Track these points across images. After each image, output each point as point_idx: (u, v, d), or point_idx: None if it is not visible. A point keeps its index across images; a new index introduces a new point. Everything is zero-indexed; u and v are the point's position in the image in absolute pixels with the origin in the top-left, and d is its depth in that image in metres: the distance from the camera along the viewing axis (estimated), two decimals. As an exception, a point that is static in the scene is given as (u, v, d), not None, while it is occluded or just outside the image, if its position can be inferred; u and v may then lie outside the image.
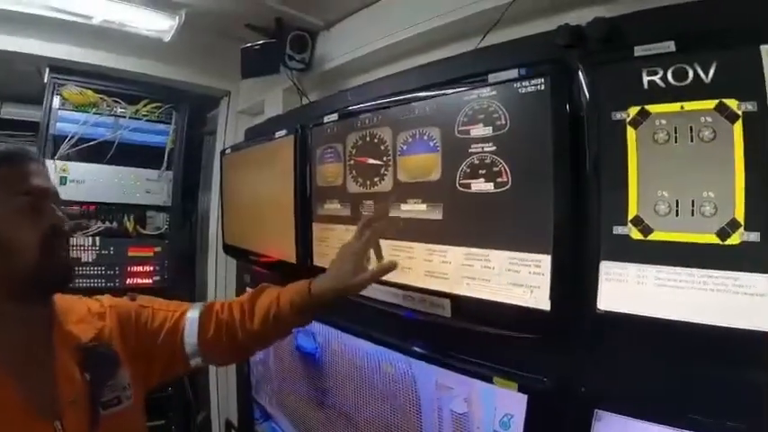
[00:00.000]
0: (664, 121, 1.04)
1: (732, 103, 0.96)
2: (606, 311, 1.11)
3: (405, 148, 1.60)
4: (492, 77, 1.32)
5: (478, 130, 1.36)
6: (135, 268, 3.32)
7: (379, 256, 1.50)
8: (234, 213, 2.93)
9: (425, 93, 1.54)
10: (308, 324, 1.69)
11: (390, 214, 1.61)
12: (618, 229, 1.09)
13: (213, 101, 3.66)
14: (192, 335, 1.49)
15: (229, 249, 3.05)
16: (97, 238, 3.19)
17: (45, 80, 3.07)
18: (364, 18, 2.33)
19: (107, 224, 3.25)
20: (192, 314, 1.52)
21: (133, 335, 1.42)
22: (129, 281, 3.28)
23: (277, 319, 1.48)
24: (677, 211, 1.02)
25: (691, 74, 1.00)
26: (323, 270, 1.50)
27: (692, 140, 1.00)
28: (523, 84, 1.25)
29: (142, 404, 1.42)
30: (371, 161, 1.72)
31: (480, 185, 1.35)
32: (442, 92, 1.48)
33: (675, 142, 1.02)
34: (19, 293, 1.18)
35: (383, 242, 1.53)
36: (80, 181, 3.14)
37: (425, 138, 1.51)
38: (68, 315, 1.32)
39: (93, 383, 1.25)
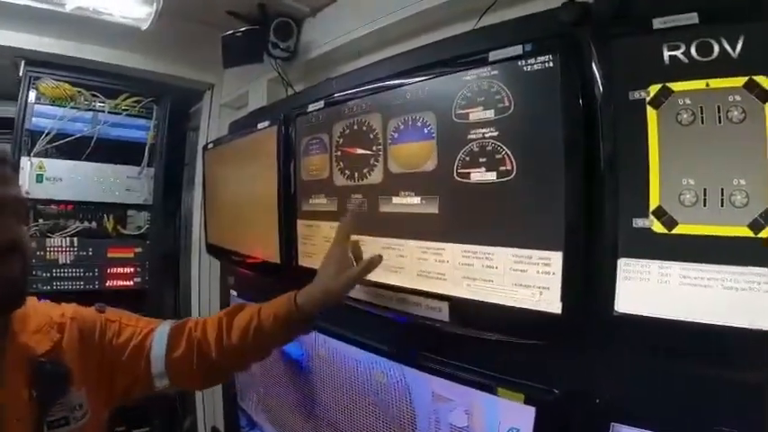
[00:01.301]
0: (688, 101, 0.95)
1: (763, 81, 0.88)
2: (624, 314, 1.03)
3: (396, 135, 1.52)
4: (493, 55, 1.24)
5: (479, 114, 1.27)
6: (115, 270, 3.27)
7: (359, 256, 1.48)
8: (217, 211, 2.88)
9: (419, 74, 1.45)
10: (288, 343, 1.62)
11: (381, 209, 1.55)
12: (638, 222, 1.01)
13: (196, 95, 3.61)
14: (159, 352, 1.43)
15: (212, 250, 3.00)
16: (75, 239, 3.15)
17: (20, 74, 3.01)
18: (352, 2, 2.27)
19: (86, 224, 3.21)
20: (161, 330, 1.47)
21: (96, 350, 1.37)
22: (108, 283, 3.24)
23: (258, 332, 1.42)
24: (704, 201, 0.93)
25: (716, 48, 0.92)
26: (308, 270, 1.46)
27: (719, 122, 0.92)
28: (529, 61, 1.17)
29: (102, 424, 1.37)
30: (360, 151, 1.65)
31: (481, 175, 1.27)
32: (438, 72, 1.40)
33: (702, 123, 0.94)
34: None
35: (371, 240, 1.51)
36: (57, 179, 3.10)
37: (419, 124, 1.43)
38: (27, 323, 1.27)
39: (39, 401, 1.20)
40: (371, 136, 1.60)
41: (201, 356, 1.44)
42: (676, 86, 0.96)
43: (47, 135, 3.03)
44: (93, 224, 3.23)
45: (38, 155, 3.01)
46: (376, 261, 1.43)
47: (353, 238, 1.51)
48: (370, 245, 1.58)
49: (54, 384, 1.24)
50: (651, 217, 0.99)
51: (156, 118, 3.37)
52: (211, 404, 3.47)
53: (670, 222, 0.97)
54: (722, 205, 0.91)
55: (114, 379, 1.39)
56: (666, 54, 0.97)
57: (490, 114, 1.24)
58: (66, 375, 1.26)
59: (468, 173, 1.30)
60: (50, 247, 3.02)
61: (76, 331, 1.34)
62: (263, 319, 1.42)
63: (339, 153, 1.76)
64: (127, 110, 3.28)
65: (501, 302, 1.23)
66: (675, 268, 0.96)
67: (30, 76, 3.00)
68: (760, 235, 0.87)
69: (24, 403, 1.18)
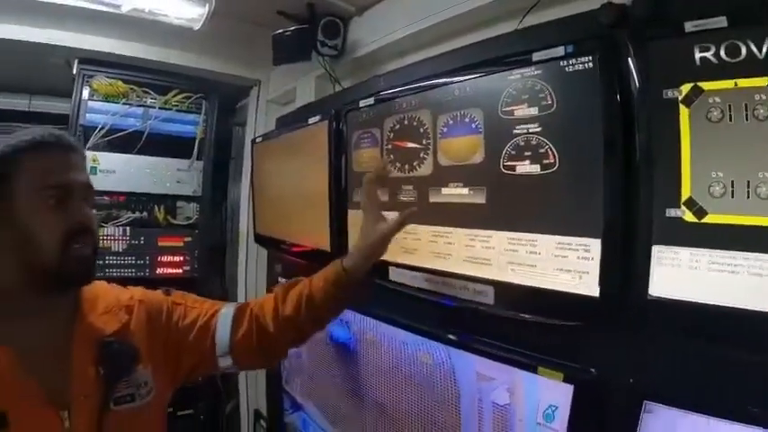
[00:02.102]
0: (717, 99, 1.00)
1: (788, 80, 0.91)
2: (657, 297, 1.08)
3: (445, 130, 1.57)
4: (536, 56, 1.29)
5: (523, 111, 1.33)
6: (165, 258, 3.35)
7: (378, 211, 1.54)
8: (266, 202, 2.94)
9: (467, 73, 1.51)
10: (342, 309, 1.60)
11: (431, 199, 1.61)
12: (671, 212, 1.06)
13: (243, 90, 3.67)
14: (223, 333, 1.48)
15: (261, 239, 3.06)
16: (127, 228, 3.23)
17: (74, 72, 3.10)
18: (397, 2, 2.30)
19: (137, 214, 3.28)
20: (226, 311, 1.52)
21: (163, 331, 1.43)
22: (158, 270, 3.32)
23: (310, 301, 1.47)
24: (732, 192, 0.98)
25: (744, 50, 0.96)
26: None
27: (747, 119, 0.96)
28: (570, 62, 1.22)
29: (165, 402, 1.43)
30: (410, 145, 1.70)
31: (526, 167, 1.33)
32: (485, 71, 1.46)
33: (730, 121, 0.98)
34: (38, 286, 1.20)
35: (421, 228, 1.58)
36: (110, 171, 3.18)
37: (467, 119, 1.49)
38: (95, 305, 1.33)
39: (106, 379, 1.25)
40: (421, 130, 1.66)
41: (261, 332, 1.49)
42: (707, 86, 1.01)
43: (100, 130, 3.11)
44: (145, 214, 3.30)
45: (92, 149, 3.08)
46: (408, 215, 1.50)
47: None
48: (420, 233, 1.64)
49: (120, 363, 1.28)
50: (683, 207, 1.04)
51: (204, 113, 3.43)
52: (254, 388, 3.54)
53: (700, 212, 1.01)
54: (748, 197, 0.95)
55: (180, 359, 1.44)
56: (698, 55, 1.02)
57: (534, 111, 1.30)
58: (133, 354, 1.31)
59: (514, 165, 1.35)
60: (104, 236, 3.08)
61: (144, 313, 1.40)
62: (314, 287, 1.48)
63: (390, 146, 1.81)
64: (177, 105, 3.35)
65: (543, 286, 1.29)
66: (705, 255, 1.01)
67: (83, 74, 3.08)
68: (784, 224, 0.92)
69: (91, 381, 1.22)
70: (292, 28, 2.54)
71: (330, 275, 1.48)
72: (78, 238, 1.19)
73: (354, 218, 1.99)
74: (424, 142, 1.65)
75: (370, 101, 1.92)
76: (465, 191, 1.51)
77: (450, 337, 1.60)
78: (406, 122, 1.74)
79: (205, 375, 1.57)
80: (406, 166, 1.73)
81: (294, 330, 1.52)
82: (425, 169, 1.65)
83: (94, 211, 1.31)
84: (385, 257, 1.59)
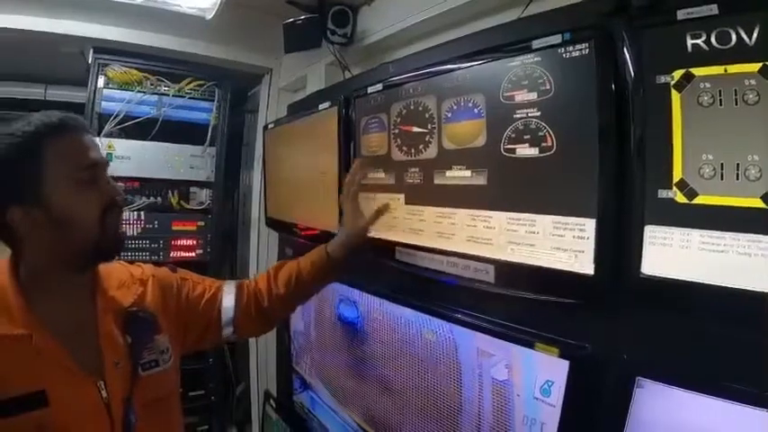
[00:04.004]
0: (708, 84, 1.03)
1: (776, 67, 0.94)
2: (649, 276, 1.11)
3: (450, 115, 1.62)
4: (536, 43, 1.33)
5: (523, 96, 1.36)
6: (179, 242, 3.43)
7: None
8: (277, 187, 2.99)
9: (470, 60, 1.55)
10: (324, 285, 1.85)
11: (436, 181, 1.66)
12: (663, 193, 1.09)
13: (254, 78, 3.70)
14: (228, 303, 1.63)
15: (272, 223, 3.11)
16: (142, 213, 3.31)
17: (89, 61, 3.15)
18: None
19: (152, 199, 3.35)
20: (229, 287, 1.67)
21: (174, 303, 1.52)
22: (173, 254, 3.40)
23: (299, 280, 1.70)
24: (722, 174, 1.01)
25: (734, 37, 0.99)
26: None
27: (736, 104, 0.99)
28: (567, 49, 1.26)
29: (178, 368, 1.50)
30: (416, 129, 1.75)
31: (525, 150, 1.36)
32: (487, 58, 1.49)
33: (720, 105, 1.01)
34: (72, 264, 1.25)
35: (427, 209, 1.64)
36: (126, 157, 3.24)
37: (470, 105, 1.53)
38: (110, 280, 1.38)
39: (133, 346, 1.32)
40: (427, 115, 1.70)
41: (257, 305, 1.68)
42: (698, 72, 1.04)
43: (115, 117, 3.17)
44: (159, 199, 3.38)
45: (107, 136, 3.15)
46: (384, 208, 1.75)
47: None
48: (426, 213, 1.69)
49: (145, 330, 1.36)
50: (674, 188, 1.07)
51: (217, 101, 3.48)
52: (264, 369, 3.60)
53: (691, 193, 1.05)
54: (737, 179, 0.98)
55: (189, 328, 1.56)
56: (689, 42, 1.04)
57: (533, 96, 1.33)
58: (154, 322, 1.39)
59: (514, 148, 1.39)
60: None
61: (158, 287, 1.48)
62: (302, 269, 1.71)
63: (397, 131, 1.85)
64: (190, 93, 3.42)
65: (541, 264, 1.33)
66: (695, 235, 1.04)
67: (98, 63, 3.15)
68: (771, 206, 0.95)
69: (121, 348, 1.29)
70: (303, 17, 2.56)
71: (316, 260, 1.73)
72: (113, 212, 1.26)
73: (362, 200, 1.97)
74: (429, 127, 1.70)
75: (378, 87, 1.96)
76: (468, 173, 1.55)
77: (453, 314, 1.64)
78: (412, 108, 1.78)
79: (207, 344, 1.66)
80: (413, 150, 1.77)
81: (285, 304, 1.75)
82: (431, 152, 1.69)
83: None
84: (392, 238, 1.72)
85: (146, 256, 3.28)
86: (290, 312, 1.96)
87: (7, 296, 1.20)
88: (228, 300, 1.64)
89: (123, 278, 1.43)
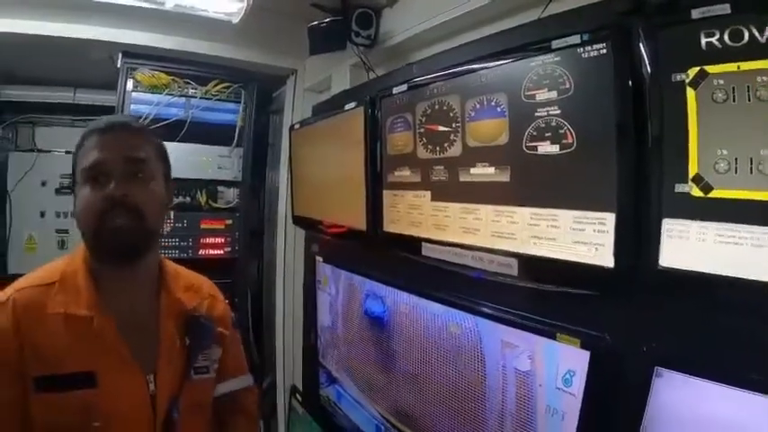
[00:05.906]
0: (722, 81, 1.04)
1: (788, 63, 0.96)
2: (667, 268, 1.13)
3: (473, 114, 1.65)
4: (555, 43, 1.36)
5: (544, 95, 1.39)
6: (207, 240, 3.48)
7: None
8: (303, 185, 3.03)
9: (492, 61, 1.58)
10: None
11: (461, 178, 1.68)
12: (679, 187, 1.11)
13: (280, 80, 3.73)
14: (220, 389, 1.56)
15: (299, 220, 3.16)
16: (171, 212, 3.33)
17: (118, 65, 3.21)
18: None
19: (181, 198, 3.38)
20: (239, 381, 1.65)
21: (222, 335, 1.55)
22: (201, 252, 3.45)
23: None
24: (736, 168, 1.02)
25: (746, 34, 1.00)
26: (392, 235, 1.77)
27: (749, 99, 1.00)
28: (586, 49, 1.28)
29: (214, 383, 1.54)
30: (441, 128, 1.78)
31: (546, 147, 1.39)
32: (509, 58, 1.52)
33: (733, 102, 1.03)
34: (96, 257, 1.31)
35: (452, 205, 1.67)
36: (154, 158, 3.26)
37: (493, 103, 1.56)
38: (177, 281, 1.44)
39: (191, 349, 1.38)
40: (451, 114, 1.73)
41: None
42: (712, 69, 1.05)
43: (144, 119, 3.17)
44: (188, 199, 3.42)
45: None
46: None
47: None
48: (451, 210, 1.72)
49: (205, 336, 1.42)
50: (690, 183, 1.09)
51: (243, 102, 3.51)
52: (291, 364, 3.63)
53: (706, 187, 1.06)
54: (751, 172, 1.00)
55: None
56: (703, 40, 1.06)
57: (553, 95, 1.36)
58: (214, 332, 1.45)
59: (536, 146, 1.42)
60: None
61: (217, 309, 1.54)
62: None
63: (422, 130, 1.88)
64: (217, 95, 3.44)
65: (562, 258, 1.36)
66: (711, 228, 1.05)
67: (127, 67, 3.20)
68: (786, 199, 0.96)
69: (177, 349, 1.35)
70: (327, 19, 2.59)
71: None
72: (113, 212, 1.24)
73: (389, 198, 2.08)
74: (453, 125, 1.73)
75: (403, 87, 1.99)
76: (491, 170, 1.58)
77: (479, 307, 1.68)
78: (436, 107, 1.81)
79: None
80: (438, 148, 1.80)
81: None
82: (455, 150, 1.73)
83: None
84: (418, 234, 1.75)
85: (175, 253, 3.33)
86: None
87: (78, 279, 1.27)
88: (223, 387, 1.57)
89: (189, 282, 1.50)
